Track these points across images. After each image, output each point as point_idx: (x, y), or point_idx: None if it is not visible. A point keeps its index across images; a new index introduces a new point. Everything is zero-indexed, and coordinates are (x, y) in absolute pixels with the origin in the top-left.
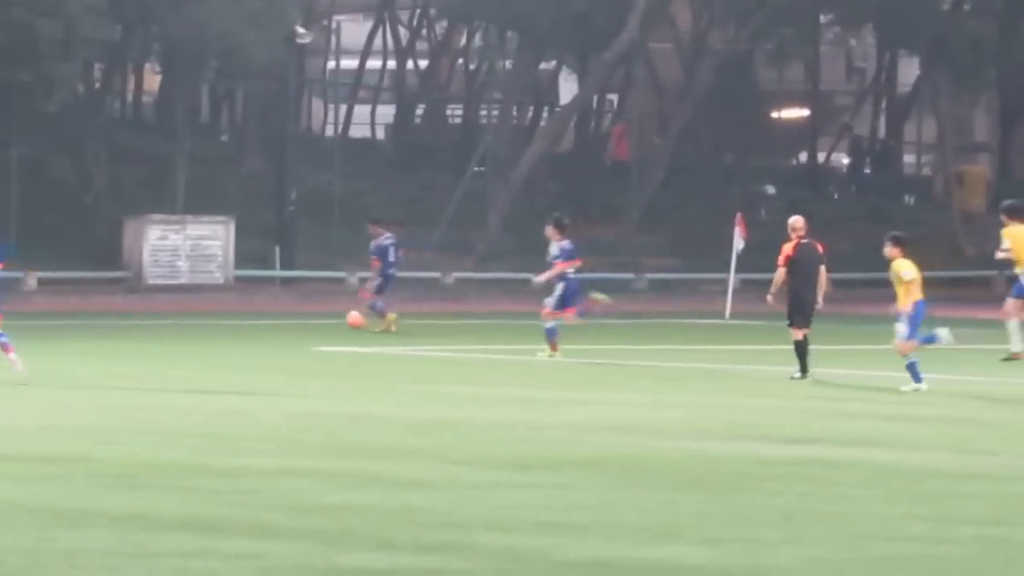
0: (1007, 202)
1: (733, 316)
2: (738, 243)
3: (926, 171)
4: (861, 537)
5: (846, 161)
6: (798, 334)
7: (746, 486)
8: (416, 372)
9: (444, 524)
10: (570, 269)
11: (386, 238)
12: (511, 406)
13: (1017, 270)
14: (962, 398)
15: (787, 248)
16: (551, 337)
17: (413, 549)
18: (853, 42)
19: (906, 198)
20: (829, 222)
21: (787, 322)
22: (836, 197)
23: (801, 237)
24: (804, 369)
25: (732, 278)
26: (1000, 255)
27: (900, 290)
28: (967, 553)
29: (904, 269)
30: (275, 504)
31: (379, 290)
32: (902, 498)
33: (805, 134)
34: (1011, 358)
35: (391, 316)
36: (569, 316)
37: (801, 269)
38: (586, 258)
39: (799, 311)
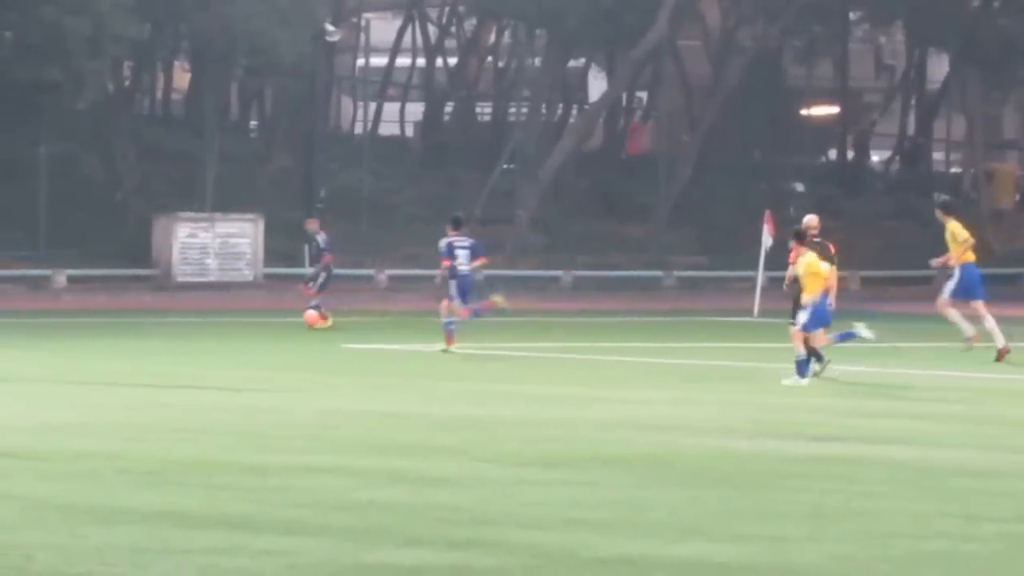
0: (943, 198)
1: (761, 314)
2: (766, 240)
3: (955, 169)
4: (887, 534)
5: (876, 159)
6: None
7: (772, 483)
8: (443, 369)
9: (471, 521)
10: (463, 266)
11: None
12: (538, 403)
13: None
14: (989, 395)
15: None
16: (447, 329)
17: (440, 546)
18: (883, 39)
19: (935, 196)
20: (858, 220)
21: (790, 320)
22: (867, 195)
23: (814, 236)
24: (819, 358)
25: (760, 276)
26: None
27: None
28: (993, 551)
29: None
30: (303, 501)
31: (322, 287)
32: (928, 496)
33: (834, 131)
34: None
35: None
36: (464, 313)
37: None
38: (615, 255)
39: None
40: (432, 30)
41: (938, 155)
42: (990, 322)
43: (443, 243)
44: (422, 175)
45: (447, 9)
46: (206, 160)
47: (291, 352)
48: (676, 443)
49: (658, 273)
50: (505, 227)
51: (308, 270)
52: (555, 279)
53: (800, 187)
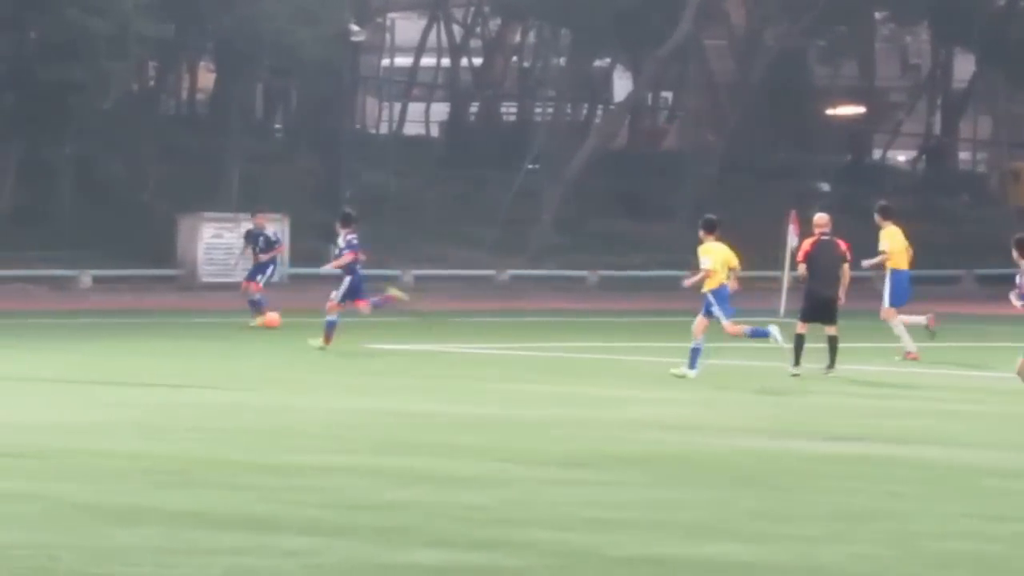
0: (881, 202)
1: (787, 314)
2: (792, 240)
3: (981, 168)
4: (913, 535)
5: (902, 159)
6: (802, 327)
7: (797, 483)
8: (467, 369)
9: (495, 521)
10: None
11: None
12: (562, 403)
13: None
14: (1016, 395)
15: (806, 244)
16: (328, 329)
17: (465, 546)
18: (908, 38)
19: (962, 195)
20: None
21: (799, 315)
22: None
23: (823, 234)
24: (797, 362)
25: (786, 276)
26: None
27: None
28: (1020, 551)
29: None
30: (328, 501)
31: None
32: (954, 496)
33: (860, 131)
34: (907, 358)
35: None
36: (363, 307)
37: (818, 266)
38: (639, 254)
39: (811, 307)
40: (457, 30)
41: (964, 155)
42: (899, 328)
43: (343, 239)
44: (447, 175)
45: (472, 9)
46: (231, 160)
47: (315, 352)
48: (701, 443)
49: (683, 273)
50: (529, 227)
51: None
52: (580, 279)
53: (825, 187)
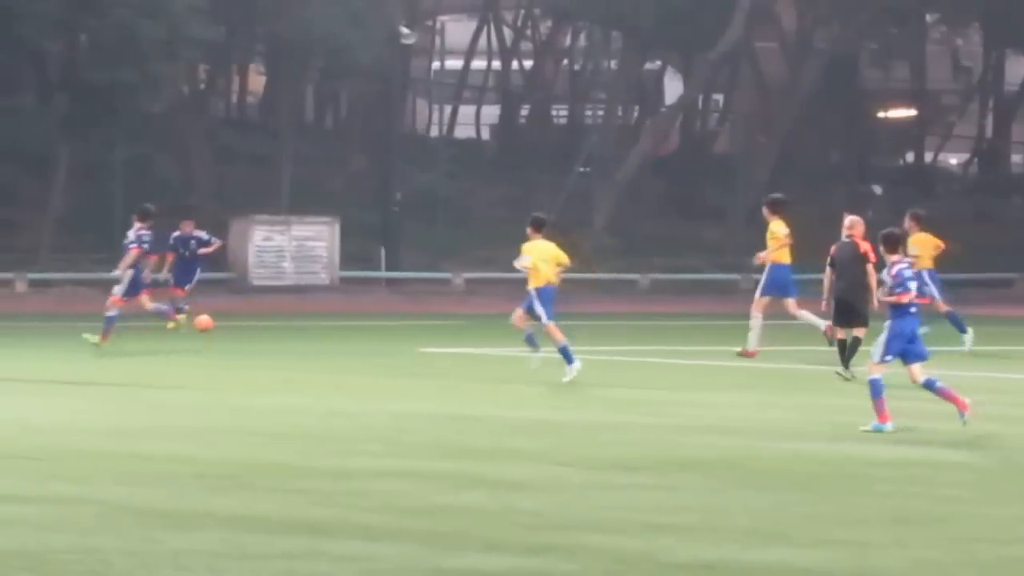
0: (772, 195)
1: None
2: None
3: None
4: (971, 539)
5: (954, 161)
6: (838, 333)
7: (854, 488)
8: (520, 373)
9: (550, 526)
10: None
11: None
12: (615, 407)
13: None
14: None
15: (833, 248)
16: (108, 325)
17: (519, 551)
18: (959, 41)
19: (1014, 198)
20: (936, 222)
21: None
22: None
23: (850, 236)
24: (845, 364)
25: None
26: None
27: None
28: None
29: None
30: (381, 505)
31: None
32: (1012, 500)
33: (912, 134)
34: (743, 354)
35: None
36: (144, 302)
37: (840, 268)
38: (692, 257)
39: (837, 311)
40: (508, 32)
41: (1016, 157)
42: (804, 318)
43: (133, 233)
44: (497, 178)
45: (522, 11)
46: (281, 163)
47: (367, 355)
48: (756, 447)
49: (735, 276)
50: (581, 230)
51: (383, 272)
52: (631, 282)
53: (878, 189)
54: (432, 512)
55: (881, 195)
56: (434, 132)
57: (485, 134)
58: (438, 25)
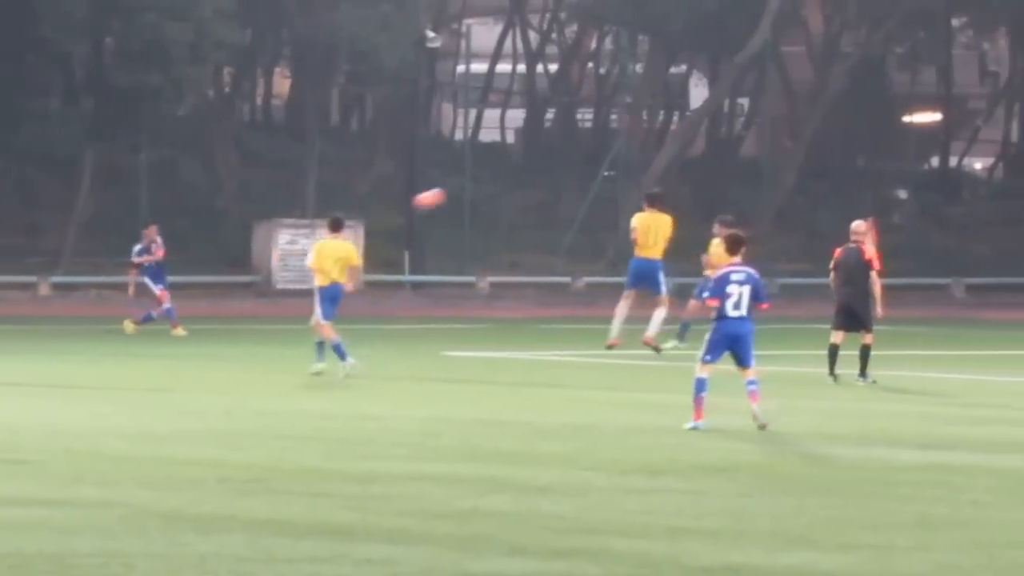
0: (652, 190)
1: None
2: (870, 248)
3: None
4: (994, 544)
5: (979, 166)
6: (835, 336)
7: (878, 492)
8: (546, 377)
9: (575, 530)
10: None
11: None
12: (640, 411)
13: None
14: None
15: (838, 252)
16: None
17: (544, 555)
18: (986, 45)
19: None
20: (964, 226)
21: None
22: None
23: (856, 242)
24: (862, 372)
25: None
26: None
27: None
28: None
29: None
30: (406, 509)
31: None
32: None
33: (938, 138)
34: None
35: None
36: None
37: (842, 273)
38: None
39: (838, 314)
40: (533, 36)
41: None
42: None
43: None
44: (524, 181)
45: (548, 15)
46: (306, 166)
47: (391, 359)
48: (780, 451)
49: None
50: (607, 234)
51: (408, 276)
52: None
53: (903, 194)
54: (457, 515)
55: (907, 199)
56: (459, 136)
57: (510, 138)
58: (464, 28)
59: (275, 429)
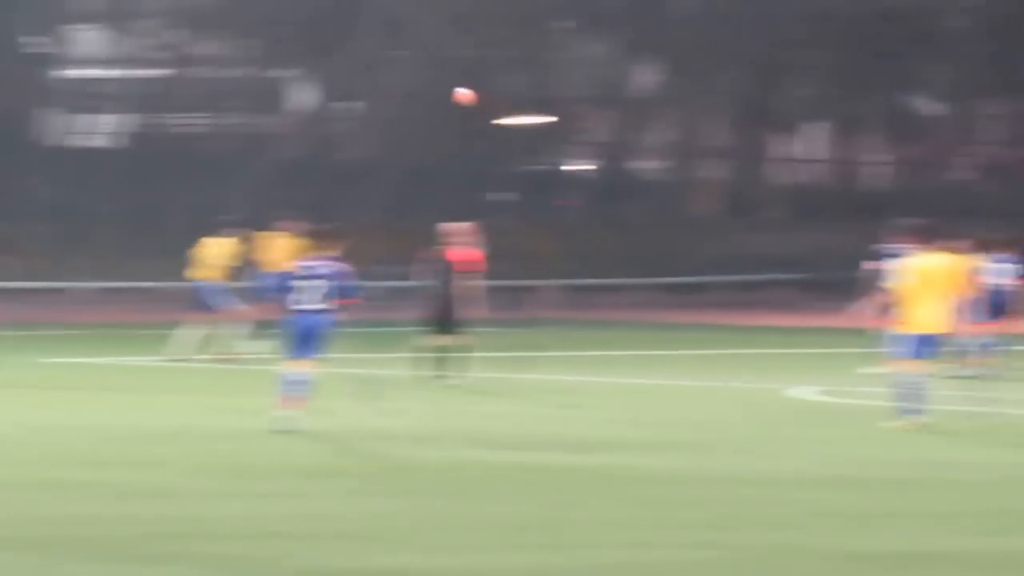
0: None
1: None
2: (472, 251)
3: None
4: (575, 545)
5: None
6: (434, 339)
7: (469, 491)
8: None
9: (182, 534)
10: None
11: None
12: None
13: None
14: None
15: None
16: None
17: (135, 560)
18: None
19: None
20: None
21: None
22: None
23: (449, 243)
24: (438, 374)
25: None
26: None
27: None
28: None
29: None
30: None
31: None
32: (627, 505)
33: (541, 140)
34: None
35: None
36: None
37: (437, 275)
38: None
39: (432, 317)
40: (137, 41)
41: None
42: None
43: None
44: (124, 187)
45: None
46: None
47: None
48: (393, 453)
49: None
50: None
51: None
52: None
53: (500, 196)
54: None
55: (509, 201)
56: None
57: (114, 142)
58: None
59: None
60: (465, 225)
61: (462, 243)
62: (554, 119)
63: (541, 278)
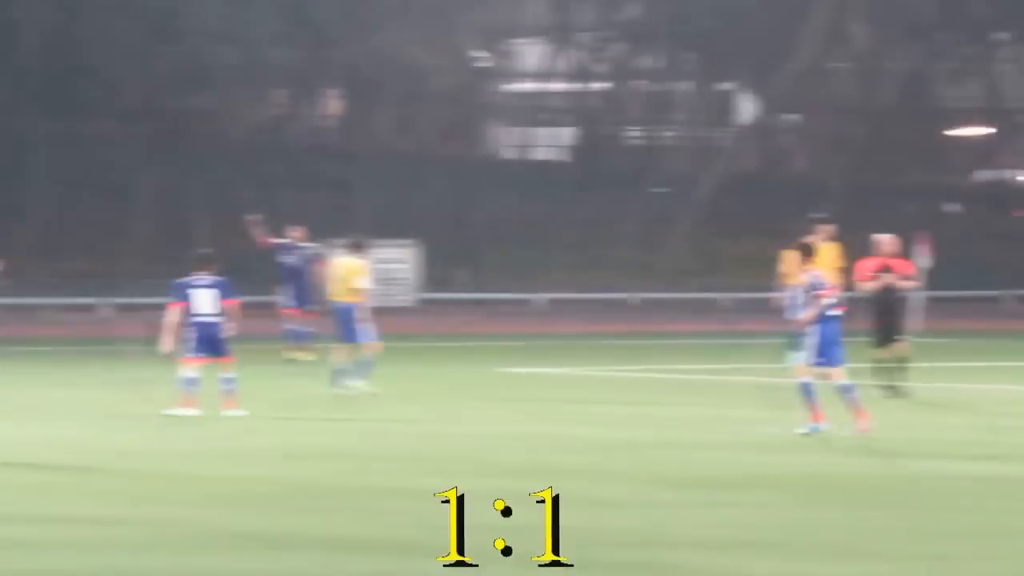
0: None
1: (925, 333)
2: (924, 261)
3: None
4: None
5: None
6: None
7: (933, 502)
8: (604, 392)
9: (641, 543)
10: None
11: None
12: (695, 426)
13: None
14: None
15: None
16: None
17: (612, 568)
18: None
19: None
20: (1015, 238)
21: None
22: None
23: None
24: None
25: (922, 295)
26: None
27: None
28: None
29: None
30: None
31: None
32: None
33: (985, 152)
34: None
35: None
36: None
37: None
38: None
39: (875, 328)
40: (584, 55)
41: None
42: None
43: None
44: (576, 199)
45: (597, 34)
46: (360, 187)
47: (449, 376)
48: (835, 463)
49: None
50: (661, 250)
51: (462, 294)
52: (711, 301)
53: (953, 207)
54: (520, 531)
55: (958, 213)
56: (511, 154)
57: (562, 155)
58: (512, 48)
59: (336, 447)
60: (891, 236)
61: (891, 253)
62: (997, 130)
63: (996, 288)
